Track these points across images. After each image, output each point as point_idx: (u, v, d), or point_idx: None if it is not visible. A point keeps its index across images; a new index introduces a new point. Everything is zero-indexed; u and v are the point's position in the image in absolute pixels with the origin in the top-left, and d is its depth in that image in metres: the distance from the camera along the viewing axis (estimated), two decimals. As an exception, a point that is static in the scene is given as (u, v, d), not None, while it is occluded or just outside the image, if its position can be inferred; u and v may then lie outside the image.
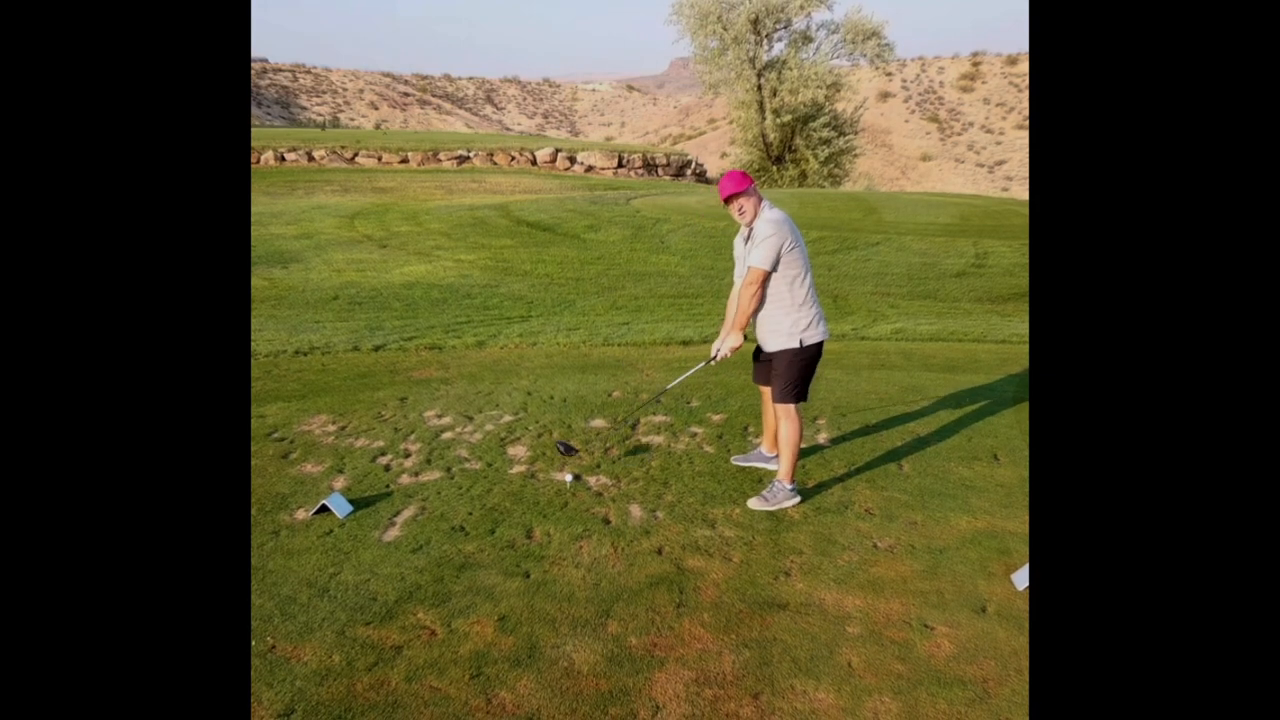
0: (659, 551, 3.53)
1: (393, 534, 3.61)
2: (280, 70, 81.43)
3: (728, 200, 3.87)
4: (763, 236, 3.78)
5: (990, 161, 69.28)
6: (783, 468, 3.95)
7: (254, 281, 9.87)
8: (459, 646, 2.84)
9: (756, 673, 2.76)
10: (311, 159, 23.56)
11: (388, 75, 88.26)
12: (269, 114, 71.21)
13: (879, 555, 3.54)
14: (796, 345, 3.89)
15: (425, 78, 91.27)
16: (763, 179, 31.72)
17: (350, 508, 3.76)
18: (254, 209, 14.97)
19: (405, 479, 4.17)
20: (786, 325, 3.89)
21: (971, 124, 74.18)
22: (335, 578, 3.24)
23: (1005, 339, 7.82)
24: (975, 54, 79.91)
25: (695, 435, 4.88)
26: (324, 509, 3.73)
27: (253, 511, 3.78)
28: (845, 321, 8.66)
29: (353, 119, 74.79)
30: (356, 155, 24.17)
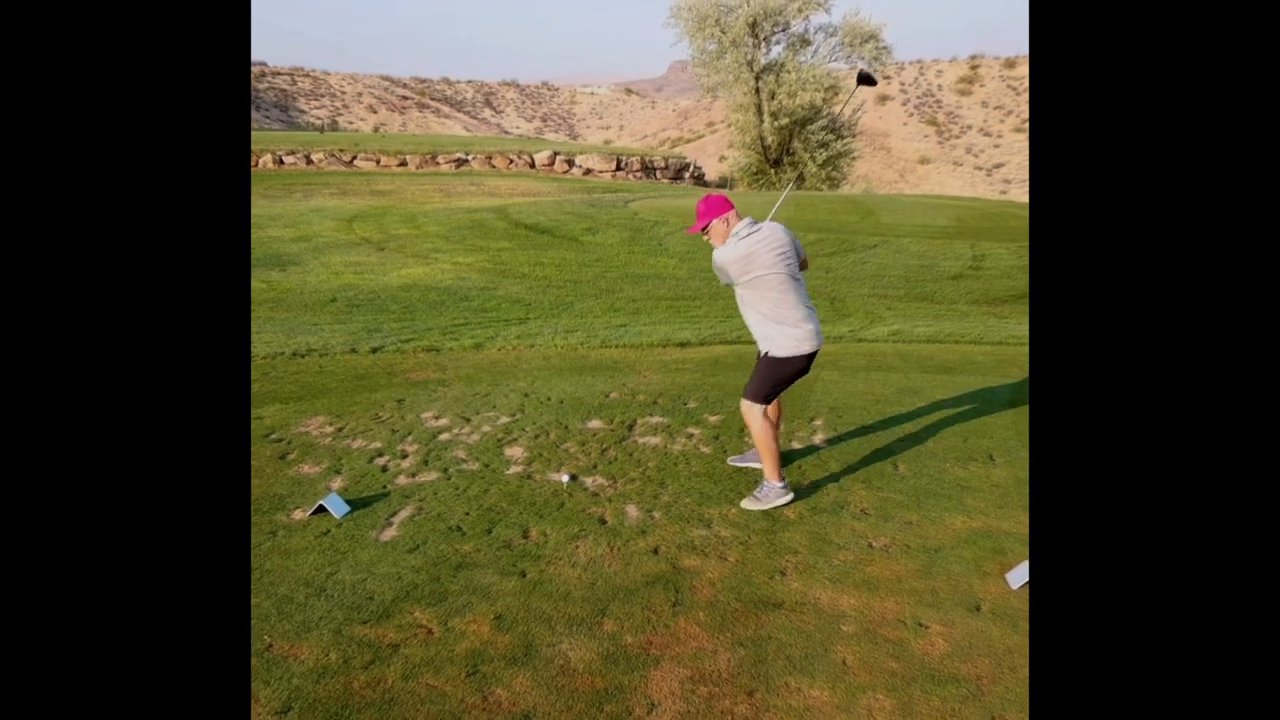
0: (655, 551, 3.54)
1: (390, 534, 3.62)
2: (279, 74, 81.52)
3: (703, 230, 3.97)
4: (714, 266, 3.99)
5: (988, 165, 69.38)
6: (765, 467, 3.97)
7: (252, 284, 9.87)
8: (455, 645, 2.85)
9: (751, 670, 2.77)
10: (310, 162, 23.58)
11: (386, 79, 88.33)
12: (267, 117, 71.24)
13: (874, 555, 3.56)
14: (763, 353, 3.97)
15: (424, 81, 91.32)
16: (760, 182, 31.75)
17: (347, 508, 3.77)
18: (252, 211, 14.97)
19: (402, 480, 4.18)
20: (760, 334, 3.99)
21: (970, 127, 74.32)
22: (332, 577, 3.25)
23: (1002, 340, 7.84)
24: (973, 57, 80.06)
25: (692, 436, 4.90)
26: (321, 509, 3.74)
27: (250, 512, 3.78)
28: (842, 323, 8.68)
29: (351, 123, 74.82)
30: (355, 159, 24.19)
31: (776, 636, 2.96)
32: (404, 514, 3.81)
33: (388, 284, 10.18)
